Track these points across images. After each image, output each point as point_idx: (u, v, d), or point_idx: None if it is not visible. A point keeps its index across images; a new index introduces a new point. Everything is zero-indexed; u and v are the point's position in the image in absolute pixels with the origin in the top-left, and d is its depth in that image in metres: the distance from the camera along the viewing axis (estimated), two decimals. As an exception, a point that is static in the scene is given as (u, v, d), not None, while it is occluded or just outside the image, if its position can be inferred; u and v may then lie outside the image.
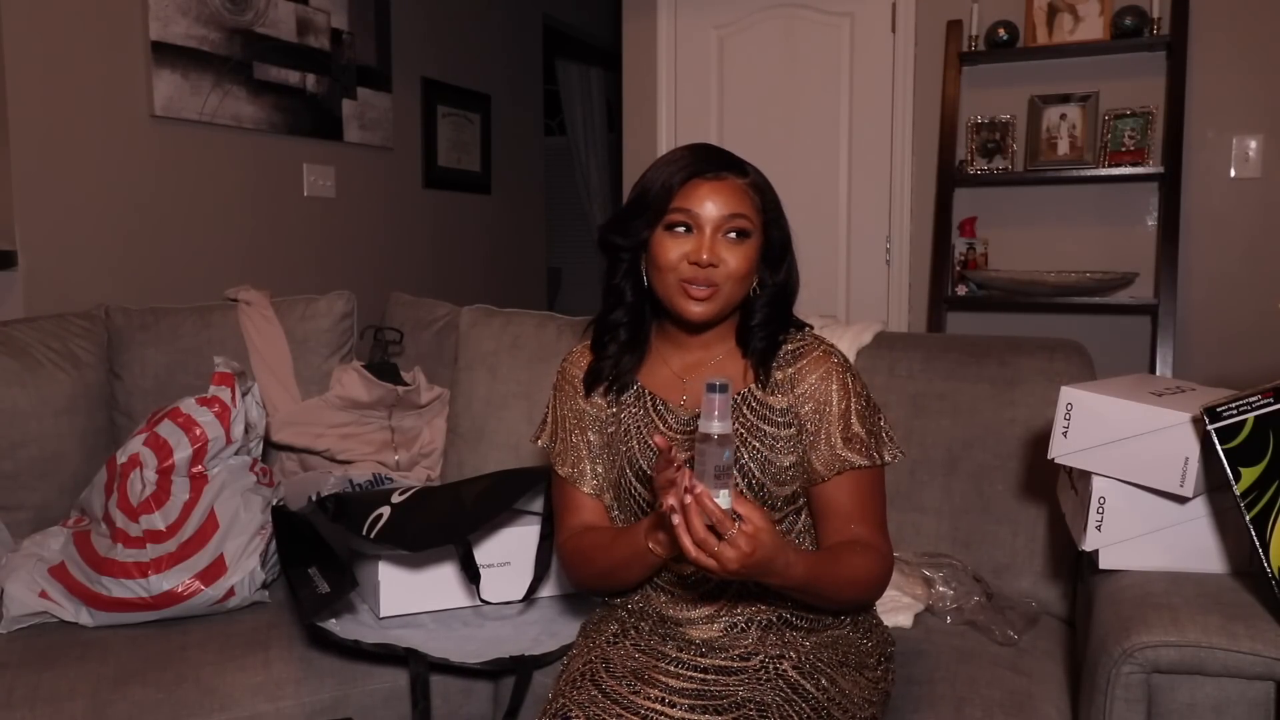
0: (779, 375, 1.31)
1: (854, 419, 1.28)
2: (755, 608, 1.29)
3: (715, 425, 1.08)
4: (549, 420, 1.45)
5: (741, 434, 1.29)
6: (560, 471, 1.40)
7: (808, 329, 1.37)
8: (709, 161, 1.28)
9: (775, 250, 1.32)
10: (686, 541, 1.07)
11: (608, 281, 1.36)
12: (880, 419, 1.33)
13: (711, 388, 1.08)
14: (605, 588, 1.38)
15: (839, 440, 1.28)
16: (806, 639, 1.29)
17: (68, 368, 2.03)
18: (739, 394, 1.31)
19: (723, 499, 1.07)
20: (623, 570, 1.29)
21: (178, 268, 2.82)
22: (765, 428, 1.29)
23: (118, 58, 2.62)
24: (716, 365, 1.35)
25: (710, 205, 1.26)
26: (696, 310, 1.27)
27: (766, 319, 1.33)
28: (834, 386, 1.29)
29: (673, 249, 1.26)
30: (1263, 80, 2.96)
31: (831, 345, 1.35)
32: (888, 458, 1.31)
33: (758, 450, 1.29)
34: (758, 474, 1.28)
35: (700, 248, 1.25)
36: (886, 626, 1.42)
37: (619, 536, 1.30)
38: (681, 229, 1.27)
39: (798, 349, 1.33)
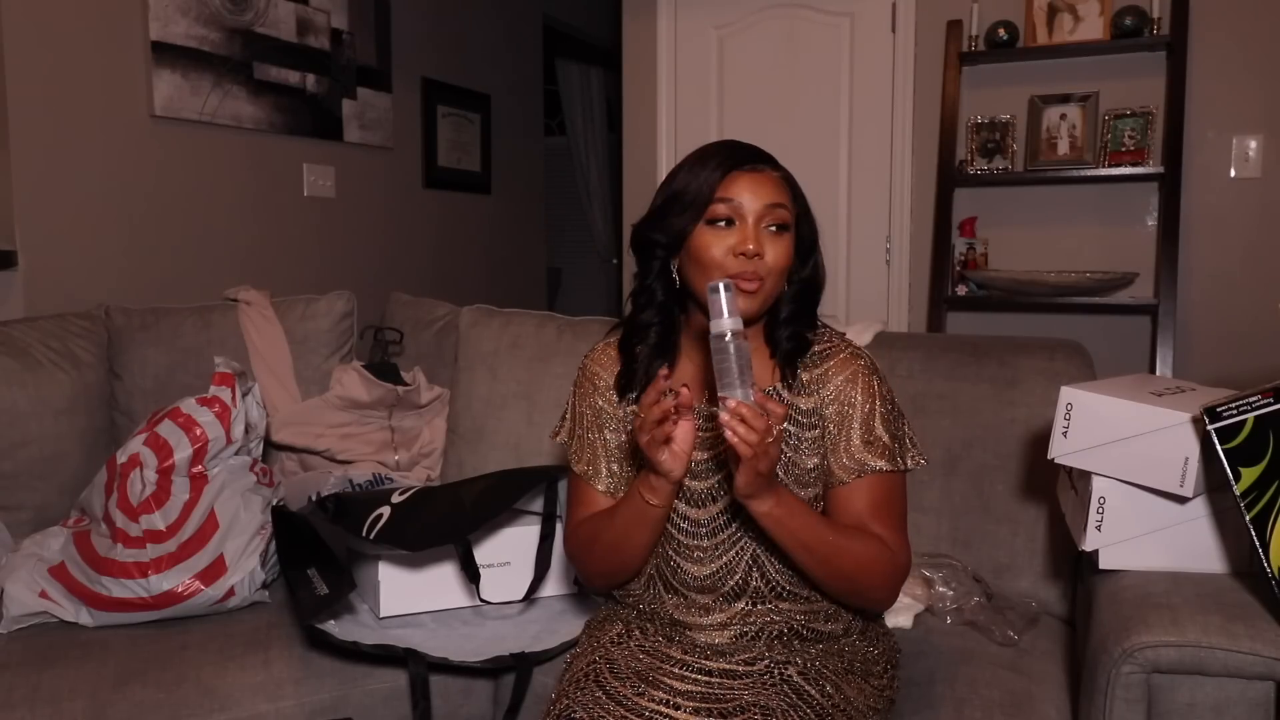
0: (805, 376, 1.30)
1: (878, 423, 1.27)
2: (768, 618, 1.28)
3: (727, 322, 1.08)
4: (567, 417, 1.43)
5: None
6: (575, 468, 1.39)
7: (829, 329, 1.36)
8: (744, 154, 1.27)
9: (805, 244, 1.31)
10: (750, 438, 1.07)
11: (639, 282, 1.33)
12: (904, 424, 1.32)
13: (715, 289, 1.08)
14: (615, 565, 1.32)
15: (861, 444, 1.26)
16: (813, 647, 1.29)
17: (68, 368, 2.03)
18: (764, 391, 1.29)
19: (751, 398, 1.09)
20: (626, 538, 1.27)
21: (178, 268, 2.82)
22: (790, 428, 1.28)
23: (118, 58, 2.62)
24: None
25: (752, 197, 1.24)
26: (740, 306, 1.25)
27: (793, 315, 1.31)
28: (859, 389, 1.28)
29: (715, 244, 1.24)
30: (1263, 80, 2.96)
31: (859, 347, 1.33)
32: (910, 463, 1.30)
33: (782, 451, 1.27)
34: (781, 475, 1.26)
35: (746, 238, 1.23)
36: (894, 636, 1.42)
37: (618, 505, 1.29)
38: (723, 223, 1.24)
39: (825, 350, 1.31)
